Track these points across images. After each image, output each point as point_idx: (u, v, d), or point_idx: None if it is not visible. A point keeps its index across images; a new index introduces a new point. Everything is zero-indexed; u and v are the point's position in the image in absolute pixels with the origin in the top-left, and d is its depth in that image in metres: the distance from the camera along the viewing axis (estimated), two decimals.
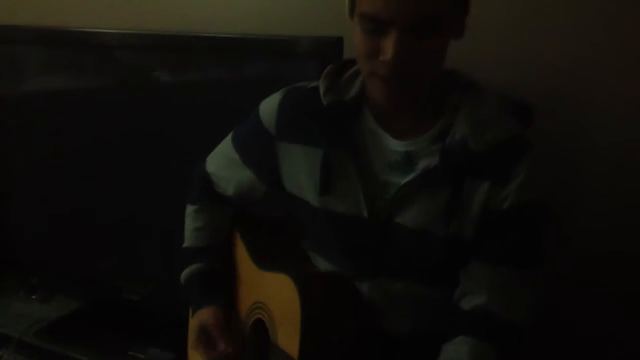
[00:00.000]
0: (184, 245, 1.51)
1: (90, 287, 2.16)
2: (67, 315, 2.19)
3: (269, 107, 1.36)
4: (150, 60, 1.99)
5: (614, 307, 1.64)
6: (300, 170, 1.30)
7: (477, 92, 1.22)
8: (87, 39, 2.02)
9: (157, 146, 1.97)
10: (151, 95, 1.98)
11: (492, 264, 1.18)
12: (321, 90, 1.27)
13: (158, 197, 1.99)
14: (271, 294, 1.32)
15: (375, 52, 1.11)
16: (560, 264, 1.49)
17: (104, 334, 2.06)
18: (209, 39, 1.85)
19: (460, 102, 1.20)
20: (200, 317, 1.40)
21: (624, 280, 1.63)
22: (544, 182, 1.20)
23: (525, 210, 1.17)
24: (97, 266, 2.14)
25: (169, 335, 1.87)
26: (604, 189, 1.63)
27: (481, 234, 1.18)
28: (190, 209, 1.51)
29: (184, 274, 1.47)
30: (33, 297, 2.30)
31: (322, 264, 1.33)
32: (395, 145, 1.23)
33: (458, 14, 1.15)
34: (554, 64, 1.61)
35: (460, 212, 1.18)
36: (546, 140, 1.27)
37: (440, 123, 1.21)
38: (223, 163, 1.46)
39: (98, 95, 2.09)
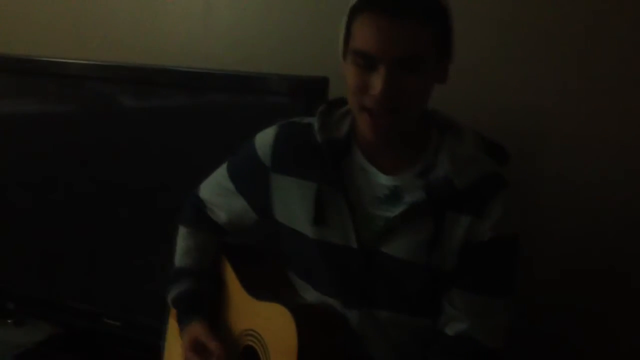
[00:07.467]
0: (174, 264, 1.55)
1: (69, 311, 2.17)
2: (46, 340, 2.20)
3: (265, 140, 1.44)
4: (122, 90, 2.04)
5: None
6: (293, 202, 1.39)
7: (456, 130, 1.33)
8: (52, 68, 2.07)
9: (130, 175, 2.02)
10: (121, 127, 2.03)
11: (472, 292, 1.29)
12: (316, 127, 1.37)
13: (133, 221, 2.03)
14: (265, 323, 1.39)
15: (366, 87, 1.22)
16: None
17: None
18: (187, 74, 1.91)
19: (441, 140, 1.32)
20: (189, 332, 1.46)
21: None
22: (515, 216, 1.31)
23: (502, 243, 1.29)
24: (75, 291, 2.16)
25: None
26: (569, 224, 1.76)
27: (461, 264, 1.29)
28: (182, 230, 1.57)
29: (172, 293, 1.52)
30: (9, 321, 2.31)
31: (312, 293, 1.41)
32: (384, 180, 1.33)
33: (440, 59, 1.26)
34: (526, 104, 1.75)
35: (441, 243, 1.28)
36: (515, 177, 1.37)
37: (423, 159, 1.32)
38: (217, 191, 1.53)
39: (64, 123, 2.13)
